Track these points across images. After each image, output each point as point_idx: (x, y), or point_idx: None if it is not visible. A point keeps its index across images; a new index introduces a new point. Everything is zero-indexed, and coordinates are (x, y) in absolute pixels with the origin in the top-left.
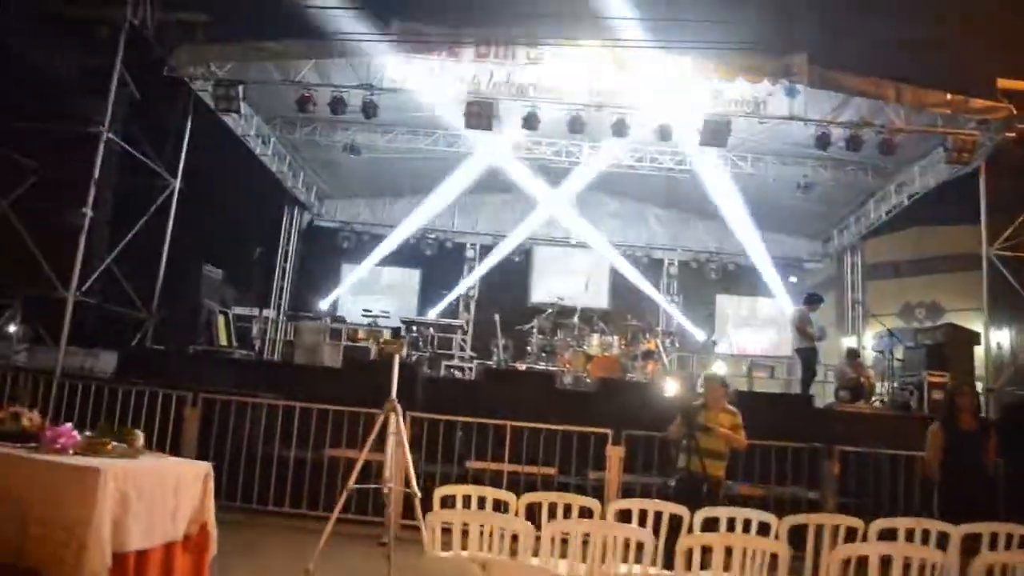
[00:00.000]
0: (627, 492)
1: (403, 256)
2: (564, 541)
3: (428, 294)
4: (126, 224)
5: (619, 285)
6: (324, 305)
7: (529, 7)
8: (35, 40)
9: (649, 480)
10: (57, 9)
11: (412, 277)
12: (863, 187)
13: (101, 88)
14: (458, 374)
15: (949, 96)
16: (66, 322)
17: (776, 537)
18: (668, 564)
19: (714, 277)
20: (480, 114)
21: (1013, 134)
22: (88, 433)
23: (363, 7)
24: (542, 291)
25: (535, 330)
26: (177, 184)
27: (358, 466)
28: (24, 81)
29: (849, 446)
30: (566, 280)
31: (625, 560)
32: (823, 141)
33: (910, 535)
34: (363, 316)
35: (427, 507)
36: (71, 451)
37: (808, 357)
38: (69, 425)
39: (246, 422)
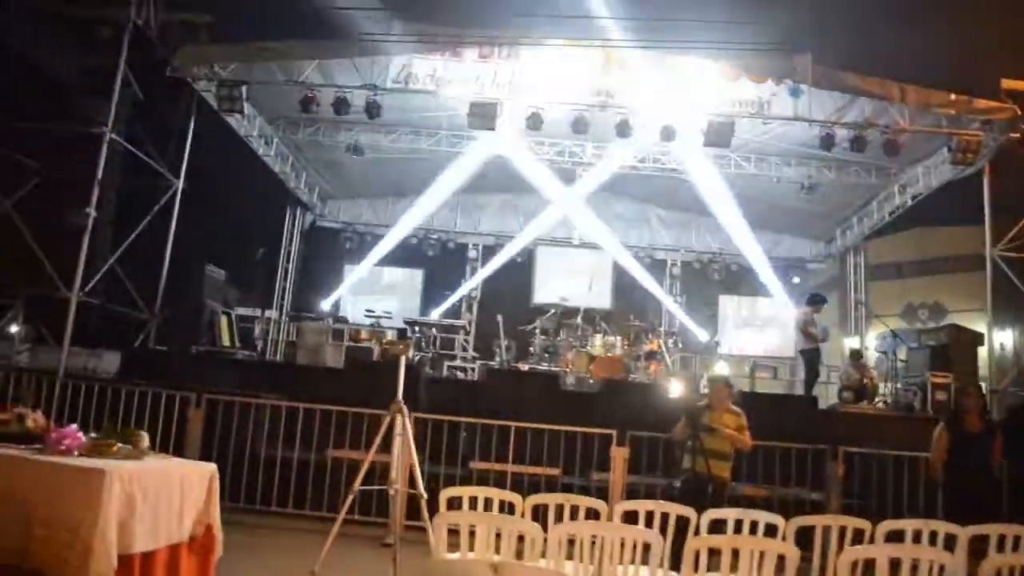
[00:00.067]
0: (631, 493)
1: (405, 256)
2: (571, 542)
3: (431, 294)
4: (129, 224)
5: (622, 285)
6: (326, 306)
7: (532, 8)
8: (38, 40)
9: (653, 481)
10: (60, 9)
11: (415, 277)
12: (866, 188)
13: (104, 88)
14: (460, 375)
15: (953, 96)
16: (69, 322)
17: (783, 538)
18: (675, 566)
19: (717, 278)
20: (483, 114)
21: (1017, 135)
22: (93, 434)
23: (367, 7)
24: (544, 291)
25: (538, 331)
26: (180, 184)
27: (364, 467)
28: (27, 81)
29: (853, 447)
30: (569, 280)
31: (632, 562)
32: (827, 142)
33: (917, 536)
34: (366, 316)
35: (431, 508)
36: (76, 452)
37: (811, 358)
38: (74, 426)
39: (249, 423)
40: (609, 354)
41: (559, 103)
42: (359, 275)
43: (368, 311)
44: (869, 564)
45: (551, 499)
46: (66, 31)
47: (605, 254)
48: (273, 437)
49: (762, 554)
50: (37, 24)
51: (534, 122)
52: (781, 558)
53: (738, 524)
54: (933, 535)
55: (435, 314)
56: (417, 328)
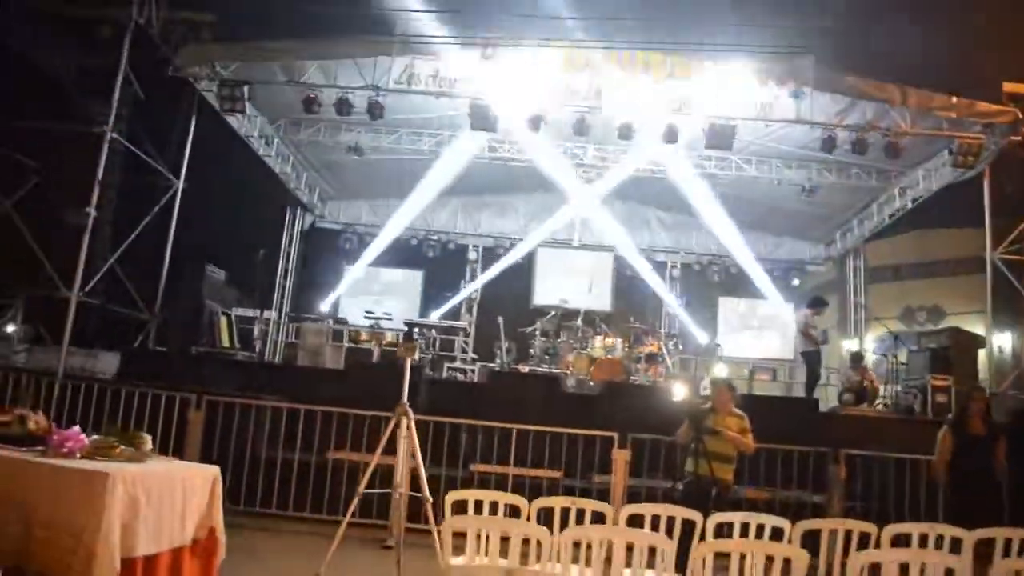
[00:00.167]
0: (632, 496)
1: (405, 258)
2: (575, 545)
3: (430, 296)
4: (129, 224)
5: (622, 287)
6: (325, 307)
7: (534, 9)
8: (39, 40)
9: (655, 484)
10: (61, 9)
11: (414, 279)
12: (866, 190)
13: (105, 88)
14: (460, 376)
15: (955, 99)
16: (68, 323)
17: (789, 542)
18: (680, 569)
19: (716, 280)
20: (484, 115)
21: (1018, 138)
22: (95, 436)
23: (369, 8)
24: (545, 293)
25: (538, 332)
26: (180, 184)
27: (369, 470)
28: (27, 81)
29: (854, 449)
30: (569, 282)
31: (641, 565)
32: (829, 144)
33: (923, 540)
34: (366, 318)
35: (435, 511)
36: (78, 455)
37: (812, 360)
38: (76, 428)
39: (250, 424)
40: (609, 356)
41: (560, 105)
42: (355, 276)
43: (368, 312)
44: (875, 568)
45: (557, 502)
46: (67, 31)
47: (605, 255)
48: (273, 439)
49: (770, 558)
50: (38, 24)
51: (535, 123)
52: (787, 562)
53: (744, 527)
54: (939, 539)
55: (435, 316)
56: (417, 329)
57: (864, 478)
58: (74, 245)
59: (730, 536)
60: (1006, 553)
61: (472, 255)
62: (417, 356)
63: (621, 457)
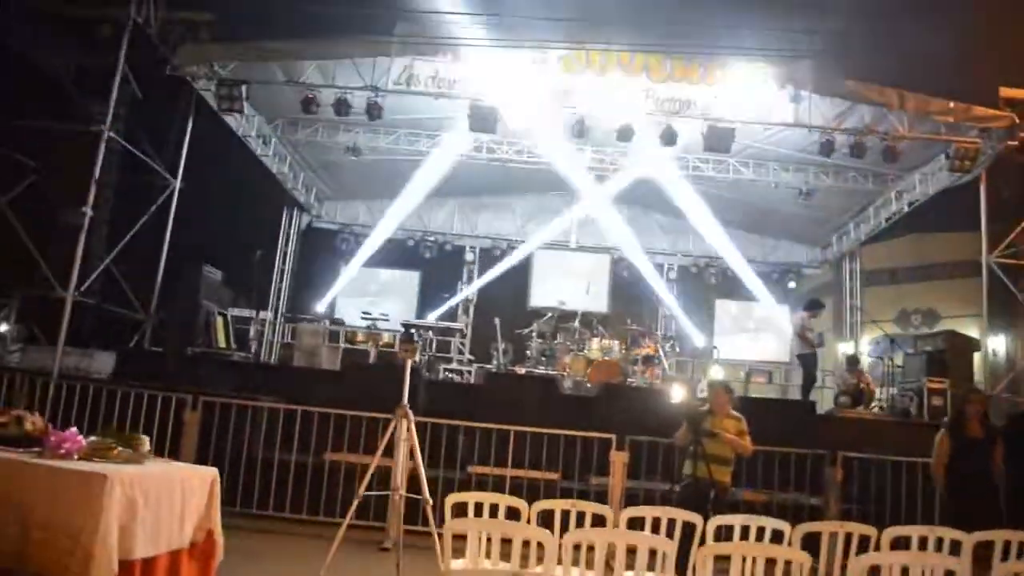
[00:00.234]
0: (630, 498)
1: (402, 258)
2: (576, 548)
3: (427, 297)
4: (125, 224)
5: (619, 289)
6: (321, 307)
7: (534, 11)
8: (37, 40)
9: (652, 486)
10: (59, 8)
11: (411, 280)
12: (863, 193)
13: (103, 87)
14: (457, 378)
15: (952, 104)
16: (64, 322)
17: (789, 544)
18: (681, 571)
19: (713, 282)
20: (483, 117)
21: (1015, 142)
22: (93, 438)
23: (368, 8)
24: (541, 295)
25: (534, 334)
26: (177, 184)
27: (369, 472)
28: (25, 80)
29: (850, 452)
30: (566, 284)
31: (641, 568)
32: (827, 147)
33: (923, 543)
34: (362, 319)
35: (433, 513)
36: (75, 456)
37: (808, 363)
38: (74, 429)
39: (246, 425)
40: (606, 358)
41: (560, 107)
42: (350, 276)
43: (365, 313)
44: (875, 571)
45: (557, 505)
46: (65, 30)
47: (602, 257)
48: (270, 440)
49: (771, 561)
50: (36, 23)
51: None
52: (789, 564)
53: (744, 530)
54: (939, 541)
55: (432, 317)
56: (414, 331)
57: (861, 480)
58: (70, 244)
59: (730, 539)
60: (1005, 556)
61: (469, 256)
62: (418, 358)
63: (619, 459)
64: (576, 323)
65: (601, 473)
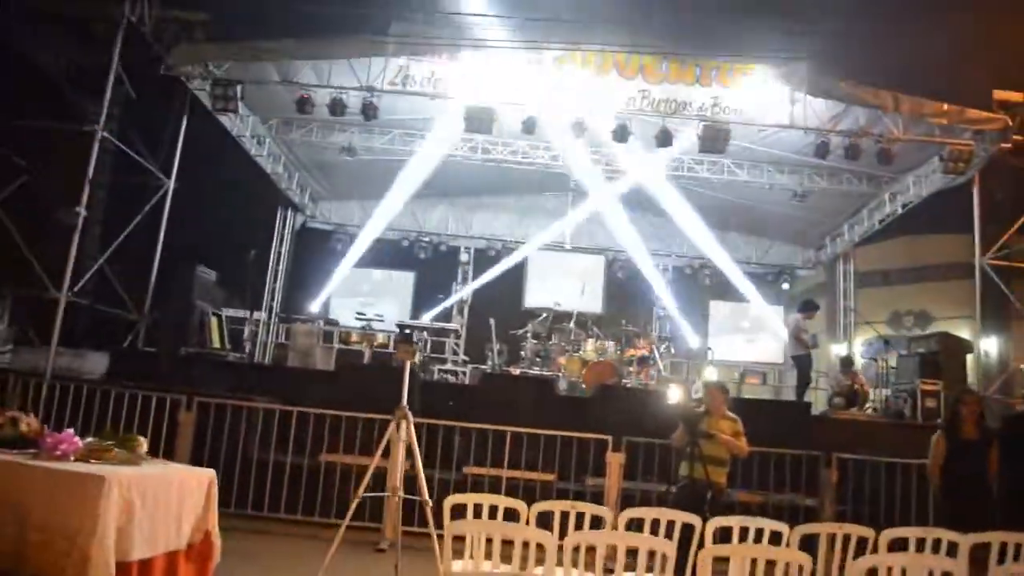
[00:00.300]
0: (626, 499)
1: (397, 259)
2: (575, 550)
3: (422, 297)
4: (119, 224)
5: (614, 290)
6: (315, 307)
7: (535, 12)
8: (30, 38)
9: (648, 487)
10: (53, 7)
11: (406, 280)
12: (857, 195)
13: (97, 86)
14: (451, 378)
15: (946, 107)
16: (57, 323)
17: (788, 546)
18: (679, 573)
19: (708, 283)
20: (480, 118)
21: (1008, 145)
22: (90, 439)
23: (365, 8)
24: (536, 295)
25: (529, 335)
26: (171, 184)
27: (368, 473)
28: (18, 79)
29: (844, 453)
30: (561, 284)
31: (643, 569)
32: (822, 149)
33: (920, 544)
34: (357, 319)
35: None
36: (72, 457)
37: (803, 364)
38: (70, 431)
39: (241, 426)
40: (601, 359)
41: (556, 107)
42: (342, 276)
43: (359, 314)
44: (872, 572)
45: (556, 506)
46: (59, 28)
47: (597, 258)
48: (265, 441)
49: (771, 563)
50: (30, 22)
51: (529, 126)
52: (788, 565)
53: (743, 531)
54: (936, 543)
55: (427, 317)
56: (409, 331)
57: (855, 482)
58: (63, 244)
59: (728, 540)
60: (1001, 557)
61: (464, 257)
62: (418, 359)
63: (615, 460)
64: (571, 324)
65: (597, 474)
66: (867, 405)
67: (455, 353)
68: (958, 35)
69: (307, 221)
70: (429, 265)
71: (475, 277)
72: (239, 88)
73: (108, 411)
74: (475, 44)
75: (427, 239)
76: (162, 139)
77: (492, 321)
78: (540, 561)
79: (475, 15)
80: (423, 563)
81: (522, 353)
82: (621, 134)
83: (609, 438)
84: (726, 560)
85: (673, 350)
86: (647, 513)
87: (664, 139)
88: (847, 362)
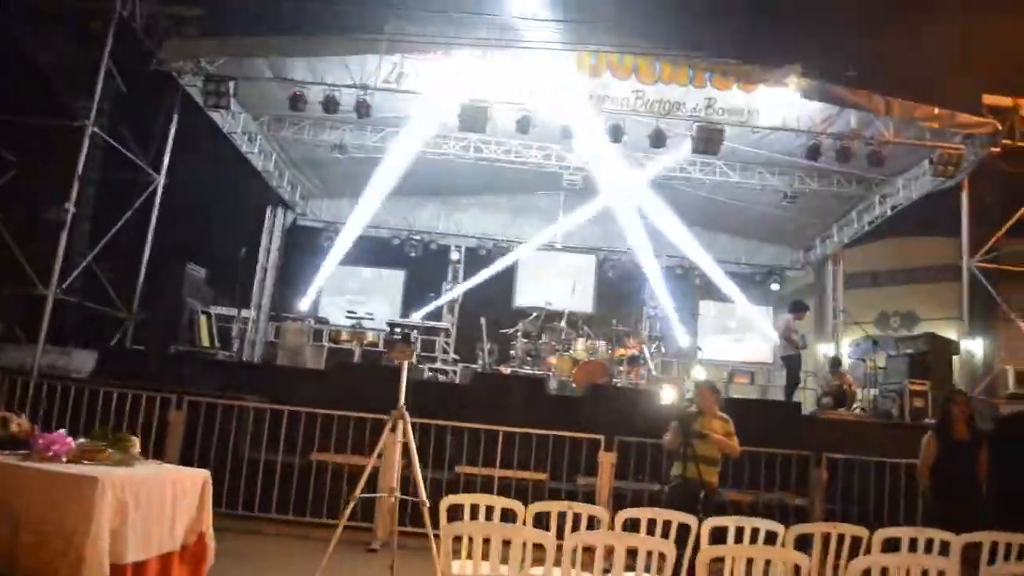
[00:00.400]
0: (618, 498)
1: (387, 257)
2: (574, 551)
3: (412, 296)
4: (108, 220)
5: (604, 290)
6: (304, 306)
7: (527, 11)
8: (20, 33)
9: (640, 487)
10: (44, 2)
11: (396, 278)
12: (847, 197)
13: (87, 81)
14: (442, 378)
15: (937, 111)
16: (45, 320)
17: (783, 545)
18: (674, 573)
19: (698, 283)
20: (474, 116)
21: (997, 149)
22: (82, 440)
23: (360, 6)
24: (526, 295)
25: (519, 334)
26: (161, 180)
27: (366, 473)
28: (7, 74)
29: (833, 452)
30: (551, 284)
31: (642, 570)
32: (814, 152)
33: (913, 544)
34: (347, 318)
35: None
36: (64, 459)
37: (793, 364)
38: (63, 431)
39: (232, 425)
40: (592, 358)
41: (547, 106)
42: (326, 274)
43: (350, 312)
44: (867, 573)
45: (554, 507)
46: (49, 23)
47: (587, 258)
48: (256, 440)
49: (773, 563)
50: (19, 16)
51: (523, 125)
52: (787, 565)
53: (739, 532)
54: (929, 543)
55: (417, 316)
56: (399, 329)
57: (845, 481)
58: (52, 241)
59: (724, 540)
60: (992, 556)
61: (455, 255)
62: (415, 359)
63: (607, 460)
64: (562, 323)
65: (589, 474)
66: (855, 405)
67: (445, 352)
68: (949, 40)
69: (298, 219)
70: (419, 263)
71: (466, 276)
72: (231, 84)
73: (96, 410)
74: (468, 44)
75: (418, 237)
76: (153, 135)
77: (483, 320)
78: (537, 561)
79: (470, 14)
80: (419, 563)
81: (512, 352)
82: (615, 134)
83: (601, 438)
84: (721, 559)
85: (664, 349)
86: (643, 513)
87: (657, 139)
88: (836, 362)
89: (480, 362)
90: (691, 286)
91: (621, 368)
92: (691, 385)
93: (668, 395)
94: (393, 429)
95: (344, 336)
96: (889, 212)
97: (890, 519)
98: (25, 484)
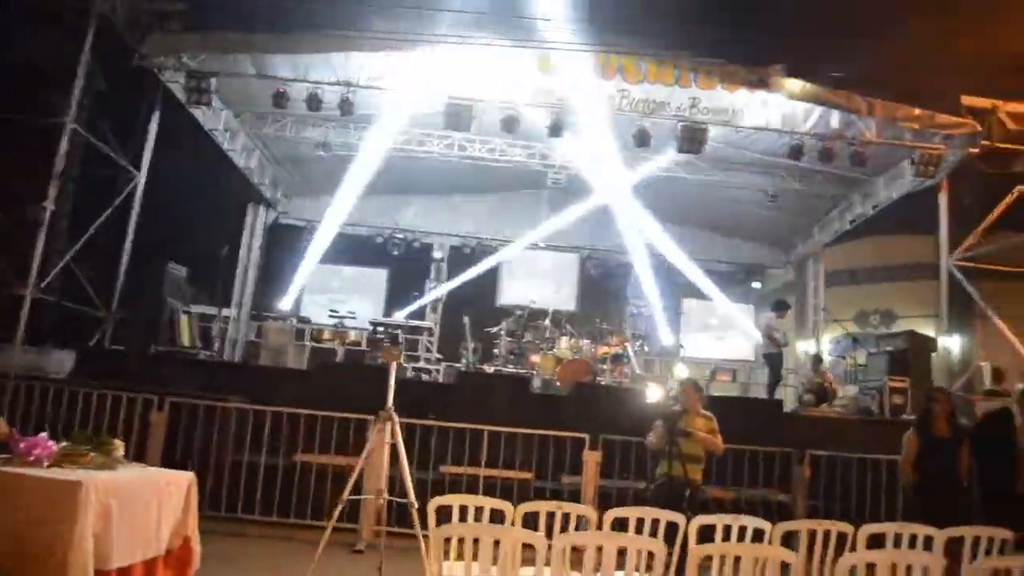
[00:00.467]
0: (603, 497)
1: (370, 256)
2: (564, 551)
3: (395, 294)
4: (86, 218)
5: (587, 288)
6: (285, 305)
7: (512, 10)
8: None
9: (624, 485)
10: None
11: (379, 277)
12: (829, 197)
13: (67, 77)
14: (425, 377)
15: (917, 111)
16: (22, 320)
17: (770, 543)
18: (665, 572)
19: (681, 281)
20: (458, 114)
21: (976, 149)
22: (64, 443)
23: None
24: (510, 293)
25: (503, 332)
26: (141, 178)
27: (355, 474)
28: None
29: (815, 449)
30: (534, 282)
31: (633, 569)
32: (797, 152)
33: (897, 540)
34: (330, 317)
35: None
36: (46, 463)
37: (775, 362)
38: (44, 435)
39: (214, 426)
40: (575, 356)
41: (533, 105)
42: (306, 272)
43: (332, 311)
44: (853, 569)
45: (543, 507)
46: (28, 18)
47: (571, 256)
48: (239, 441)
49: (764, 561)
50: None
51: (508, 124)
52: (777, 563)
53: (726, 529)
54: (912, 538)
55: (400, 315)
56: (381, 328)
57: (827, 477)
58: (30, 239)
59: (711, 538)
60: (974, 551)
61: (438, 254)
62: (403, 360)
63: (592, 459)
64: (546, 321)
65: (574, 472)
66: (836, 402)
67: (428, 351)
68: (929, 42)
69: (280, 217)
70: (403, 262)
71: (449, 274)
72: (213, 81)
73: (76, 411)
74: (453, 41)
75: (401, 236)
76: (133, 132)
77: (466, 319)
78: (527, 562)
79: (455, 11)
80: (408, 563)
81: (496, 351)
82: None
83: (586, 436)
84: (710, 558)
85: (647, 348)
86: (631, 512)
87: (641, 139)
88: (817, 360)
89: (464, 361)
90: (673, 284)
91: (604, 366)
92: (675, 383)
93: (654, 393)
94: (380, 430)
95: (327, 335)
96: (870, 211)
97: (872, 515)
98: (7, 489)
